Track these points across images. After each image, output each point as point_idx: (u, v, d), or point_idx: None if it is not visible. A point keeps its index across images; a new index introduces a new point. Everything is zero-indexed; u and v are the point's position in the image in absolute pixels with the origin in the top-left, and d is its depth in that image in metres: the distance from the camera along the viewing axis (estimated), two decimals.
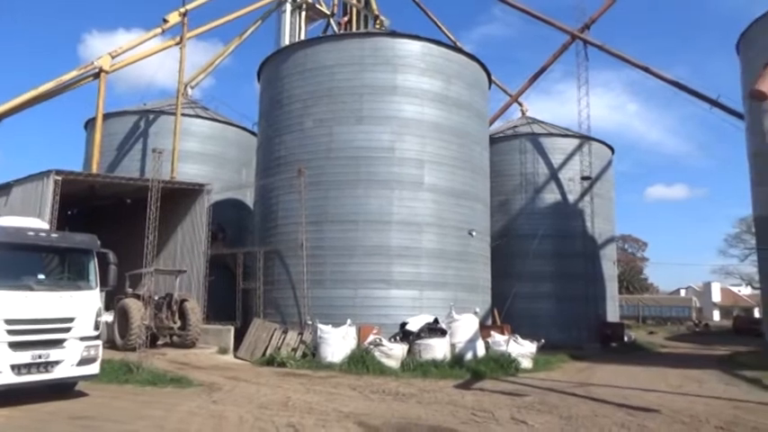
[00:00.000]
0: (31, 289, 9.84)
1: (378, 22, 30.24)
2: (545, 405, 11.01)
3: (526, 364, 17.15)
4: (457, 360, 16.87)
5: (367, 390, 12.61)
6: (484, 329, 18.98)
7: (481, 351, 17.62)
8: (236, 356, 18.76)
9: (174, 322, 19.73)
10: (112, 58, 25.23)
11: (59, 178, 19.42)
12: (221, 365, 16.77)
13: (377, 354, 16.38)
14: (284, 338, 18.14)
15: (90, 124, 28.79)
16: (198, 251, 22.76)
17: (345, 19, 31.84)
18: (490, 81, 24.53)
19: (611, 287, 31.90)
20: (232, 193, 27.45)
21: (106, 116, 26.47)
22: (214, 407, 10.24)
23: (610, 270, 31.68)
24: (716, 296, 78.96)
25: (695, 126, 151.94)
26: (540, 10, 33.04)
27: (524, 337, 18.11)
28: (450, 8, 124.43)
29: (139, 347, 16.18)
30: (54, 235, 11.14)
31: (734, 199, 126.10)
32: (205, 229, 22.82)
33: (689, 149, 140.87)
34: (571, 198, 29.75)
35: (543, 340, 18.52)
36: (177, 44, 27.53)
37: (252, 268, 21.58)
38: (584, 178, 29.53)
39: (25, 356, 9.51)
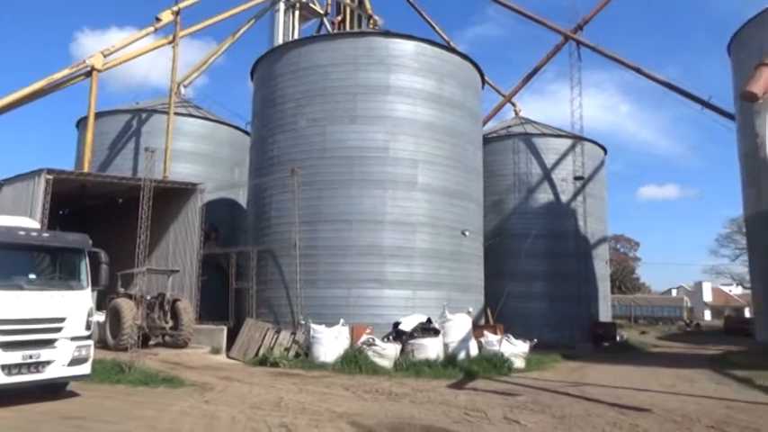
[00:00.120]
0: (21, 288, 9.77)
1: (371, 21, 30.24)
2: (538, 404, 11.04)
3: (519, 363, 17.19)
4: (450, 360, 16.89)
5: (360, 389, 12.61)
6: (477, 329, 19.02)
7: (474, 351, 17.66)
8: (228, 356, 18.70)
9: (167, 322, 19.64)
10: (105, 56, 25.07)
11: (51, 177, 19.29)
12: (214, 365, 16.71)
13: (370, 353, 16.38)
14: (277, 338, 18.10)
15: (82, 123, 28.60)
16: (190, 251, 22.67)
17: (339, 18, 31.82)
18: (483, 81, 24.57)
19: (604, 287, 32.04)
20: (225, 193, 27.36)
21: (98, 115, 26.31)
22: (206, 407, 10.21)
23: (602, 270, 31.82)
24: (707, 296, 79.39)
25: (687, 127, 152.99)
26: (533, 10, 33.18)
27: (517, 336, 18.15)
28: (444, 8, 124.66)
29: (131, 347, 16.09)
30: (45, 234, 11.06)
31: (725, 199, 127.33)
32: (198, 228, 22.74)
33: (681, 150, 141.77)
34: (564, 198, 29.85)
35: (536, 340, 18.57)
36: (170, 43, 27.39)
37: (245, 268, 21.52)
38: (576, 178, 29.64)
39: (16, 356, 9.44)
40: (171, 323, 19.63)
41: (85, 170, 23.80)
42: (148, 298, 20.04)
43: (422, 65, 20.87)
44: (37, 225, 12.46)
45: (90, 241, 11.04)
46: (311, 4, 31.61)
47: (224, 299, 21.87)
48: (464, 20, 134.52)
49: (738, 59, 23.60)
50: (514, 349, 17.48)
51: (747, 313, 58.73)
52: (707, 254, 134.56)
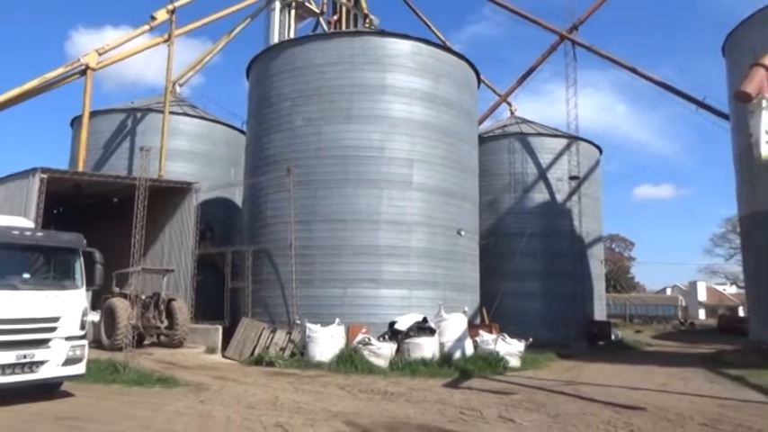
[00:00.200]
0: (15, 288, 9.73)
1: (367, 20, 30.22)
2: (533, 403, 11.07)
3: (514, 362, 17.24)
4: (446, 359, 16.91)
5: (356, 389, 12.61)
6: (472, 328, 19.04)
7: (470, 350, 17.68)
8: (224, 356, 18.67)
9: (162, 322, 19.61)
10: (99, 55, 24.99)
11: (45, 176, 19.22)
12: (209, 365, 16.68)
13: (365, 353, 16.38)
14: (273, 338, 18.08)
15: (76, 122, 28.49)
16: (186, 250, 22.63)
17: (335, 18, 31.79)
18: (479, 81, 24.60)
19: (599, 286, 32.14)
20: (220, 192, 27.30)
21: (93, 114, 26.24)
22: (201, 407, 10.19)
23: (597, 269, 31.91)
24: (701, 295, 79.70)
25: (682, 126, 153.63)
26: (528, 10, 33.29)
27: (512, 335, 18.20)
28: (440, 7, 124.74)
29: (126, 347, 16.06)
30: (39, 234, 11.02)
31: (720, 199, 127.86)
32: (193, 227, 22.70)
33: (676, 150, 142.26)
34: (559, 197, 29.92)
35: (531, 339, 18.60)
36: (165, 41, 27.32)
37: (240, 267, 21.50)
38: (572, 178, 29.73)
39: (10, 356, 9.40)
40: (166, 323, 19.61)
41: (80, 169, 23.72)
42: (143, 297, 20.01)
43: (418, 64, 20.88)
44: (31, 224, 12.40)
45: (84, 241, 11.00)
46: (307, 4, 31.56)
47: (219, 298, 21.83)
48: (460, 19, 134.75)
49: (732, 60, 23.70)
50: (510, 348, 17.53)
51: (741, 312, 58.97)
52: (701, 253, 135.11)
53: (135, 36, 26.86)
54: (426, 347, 16.90)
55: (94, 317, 18.68)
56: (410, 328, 17.35)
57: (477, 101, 24.82)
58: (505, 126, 32.49)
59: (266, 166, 20.98)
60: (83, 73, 24.62)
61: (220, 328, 20.03)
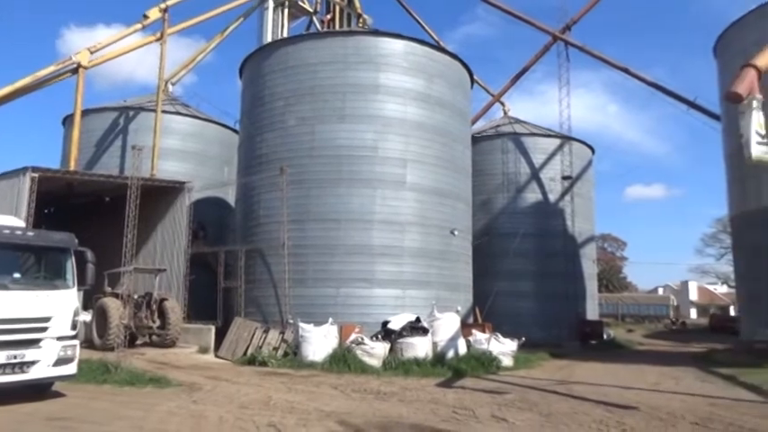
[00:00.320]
0: (6, 288, 9.64)
1: (361, 20, 30.21)
2: (525, 402, 11.10)
3: (507, 362, 17.29)
4: (439, 358, 16.94)
5: (348, 388, 12.60)
6: (465, 328, 19.08)
7: (463, 349, 17.72)
8: (216, 356, 18.62)
9: (154, 321, 19.53)
10: (91, 53, 24.86)
11: (36, 175, 19.11)
12: (201, 365, 16.63)
13: (359, 352, 16.38)
14: (265, 337, 18.05)
15: (68, 121, 28.33)
16: (178, 250, 22.55)
17: (328, 17, 31.72)
18: (472, 81, 24.65)
19: (591, 286, 32.28)
20: (213, 191, 27.22)
21: (85, 112, 26.08)
22: (194, 407, 10.15)
23: (589, 269, 32.06)
24: (693, 295, 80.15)
25: (673, 127, 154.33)
26: (522, 10, 33.35)
27: (505, 335, 18.25)
28: (433, 7, 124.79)
29: (118, 347, 16.00)
30: (30, 233, 10.94)
31: (710, 199, 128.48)
32: (185, 227, 22.62)
33: (667, 150, 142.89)
34: (552, 197, 30.04)
35: (524, 338, 18.68)
36: (158, 40, 27.20)
37: (233, 267, 21.44)
38: (564, 178, 29.85)
39: (0, 357, 9.33)
40: (158, 322, 19.53)
41: (72, 168, 23.58)
42: (135, 297, 19.92)
43: (411, 64, 20.89)
44: (22, 224, 12.30)
45: (76, 240, 10.93)
46: (300, 3, 31.45)
47: (212, 298, 21.77)
48: (453, 19, 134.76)
49: (724, 60, 23.84)
50: (503, 348, 17.58)
51: (732, 312, 59.37)
52: (692, 253, 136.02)
53: (127, 34, 26.73)
54: (419, 347, 16.93)
55: (86, 317, 18.58)
56: (403, 328, 17.36)
57: (471, 101, 24.92)
58: (498, 126, 32.58)
59: (259, 166, 20.94)
60: (75, 71, 24.49)
61: (213, 328, 19.97)
